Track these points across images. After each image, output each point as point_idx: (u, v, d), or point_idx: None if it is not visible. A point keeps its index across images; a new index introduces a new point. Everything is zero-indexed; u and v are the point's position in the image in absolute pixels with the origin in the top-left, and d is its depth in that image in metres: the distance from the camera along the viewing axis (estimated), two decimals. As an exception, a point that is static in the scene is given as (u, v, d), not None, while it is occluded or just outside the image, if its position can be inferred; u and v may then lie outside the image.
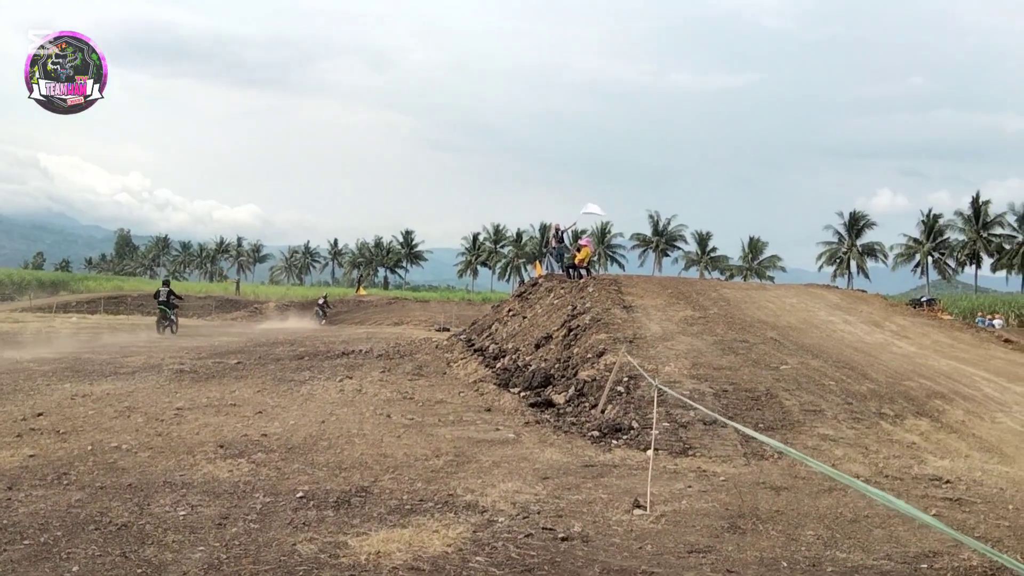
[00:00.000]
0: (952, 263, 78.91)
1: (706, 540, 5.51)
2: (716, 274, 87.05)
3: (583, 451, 8.52)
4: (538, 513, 6.05)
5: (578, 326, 14.85)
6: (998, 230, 74.22)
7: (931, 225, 78.84)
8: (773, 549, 5.36)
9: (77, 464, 7.18)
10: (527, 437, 9.24)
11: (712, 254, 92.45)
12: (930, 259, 78.76)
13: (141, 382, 13.12)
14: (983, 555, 2.41)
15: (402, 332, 33.06)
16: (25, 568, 4.54)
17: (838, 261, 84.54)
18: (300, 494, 6.31)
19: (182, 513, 5.71)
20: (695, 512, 6.19)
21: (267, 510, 5.88)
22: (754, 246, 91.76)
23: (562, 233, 25.05)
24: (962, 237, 76.58)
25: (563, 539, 5.41)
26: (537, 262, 41.39)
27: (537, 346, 15.15)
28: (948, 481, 7.50)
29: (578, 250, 22.58)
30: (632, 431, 9.08)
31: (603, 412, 10.01)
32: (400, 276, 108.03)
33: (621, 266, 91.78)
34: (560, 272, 22.87)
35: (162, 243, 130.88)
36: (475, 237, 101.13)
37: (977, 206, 75.03)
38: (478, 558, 4.99)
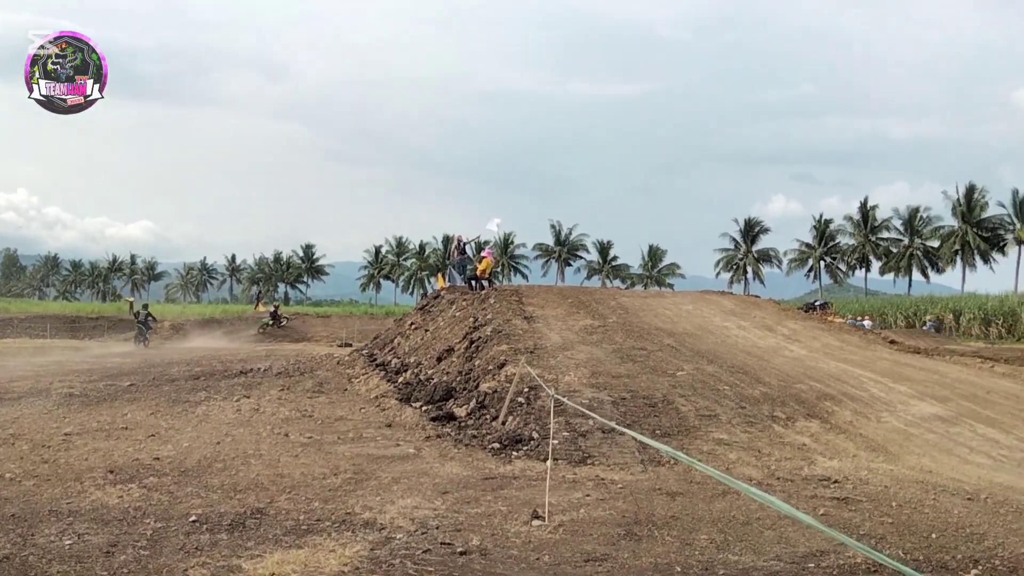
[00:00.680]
0: (843, 267, 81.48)
1: (603, 548, 5.54)
2: (618, 283, 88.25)
3: (484, 464, 8.48)
4: (437, 528, 5.99)
5: (480, 338, 14.82)
6: (885, 234, 77.16)
7: (823, 230, 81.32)
8: (668, 554, 5.42)
9: (-48, 497, 6.77)
10: (428, 452, 9.15)
11: (613, 263, 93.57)
12: (822, 264, 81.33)
13: (27, 407, 12.53)
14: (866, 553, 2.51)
15: (303, 348, 32.50)
16: None
17: (735, 267, 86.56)
18: (193, 518, 6.14)
19: (68, 542, 5.49)
20: (593, 521, 6.23)
21: (158, 536, 5.69)
22: (654, 254, 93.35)
23: (464, 245, 25.03)
24: (852, 241, 79.17)
25: (461, 553, 5.37)
26: (440, 274, 41.24)
27: (439, 359, 15.07)
28: (836, 481, 7.76)
29: (479, 261, 22.59)
30: (532, 442, 9.08)
31: (504, 424, 9.98)
32: (301, 291, 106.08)
33: (524, 276, 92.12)
34: (463, 284, 22.82)
35: (51, 262, 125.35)
36: (378, 250, 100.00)
37: (865, 211, 77.79)
38: (374, 576, 4.91)
